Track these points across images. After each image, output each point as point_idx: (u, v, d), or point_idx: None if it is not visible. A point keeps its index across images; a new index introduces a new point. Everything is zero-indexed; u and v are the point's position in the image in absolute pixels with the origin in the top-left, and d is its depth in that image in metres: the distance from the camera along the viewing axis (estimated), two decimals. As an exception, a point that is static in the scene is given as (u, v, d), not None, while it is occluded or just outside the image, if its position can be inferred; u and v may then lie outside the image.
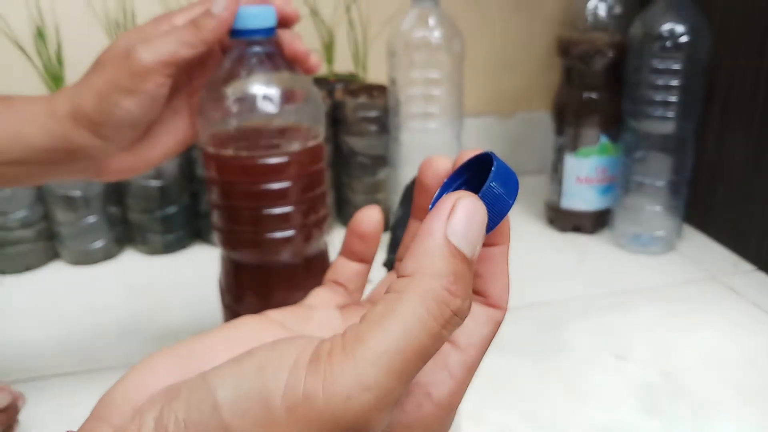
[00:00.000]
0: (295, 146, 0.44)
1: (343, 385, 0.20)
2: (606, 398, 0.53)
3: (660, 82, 0.70)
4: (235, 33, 0.43)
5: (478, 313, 0.26)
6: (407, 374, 0.21)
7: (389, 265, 0.41)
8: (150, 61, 0.41)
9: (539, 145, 1.01)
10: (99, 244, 0.78)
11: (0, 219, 0.74)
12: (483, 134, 0.98)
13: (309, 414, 0.20)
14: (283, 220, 0.44)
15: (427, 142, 0.70)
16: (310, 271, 0.47)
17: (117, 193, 0.79)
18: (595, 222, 0.81)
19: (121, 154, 0.45)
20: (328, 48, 0.83)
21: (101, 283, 0.75)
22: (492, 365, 0.57)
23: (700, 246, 0.78)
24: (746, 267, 0.73)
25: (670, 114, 0.71)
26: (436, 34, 0.67)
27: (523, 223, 0.86)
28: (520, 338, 0.61)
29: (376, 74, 0.84)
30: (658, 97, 0.71)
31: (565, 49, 0.76)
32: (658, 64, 0.70)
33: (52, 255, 0.80)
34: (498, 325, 0.27)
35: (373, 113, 0.78)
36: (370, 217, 0.31)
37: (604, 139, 0.77)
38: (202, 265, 0.74)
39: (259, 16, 0.43)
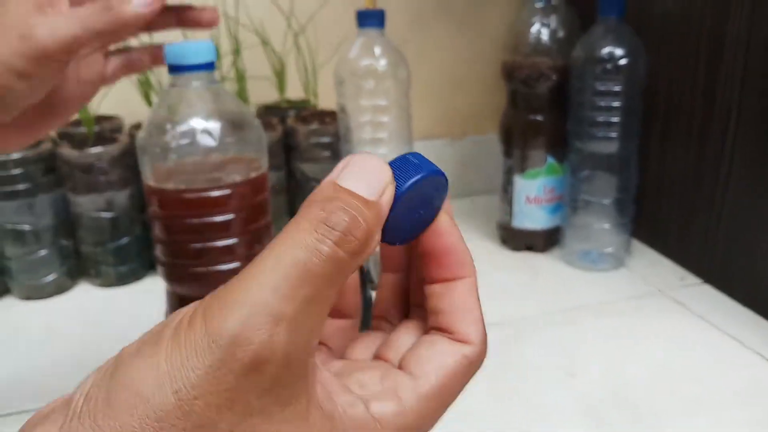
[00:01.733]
0: (237, 178, 0.44)
1: (235, 322, 0.20)
2: (557, 416, 0.54)
3: (602, 103, 0.72)
4: (174, 69, 0.43)
5: (440, 344, 0.26)
6: (309, 297, 0.20)
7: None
8: (50, 47, 0.35)
9: (490, 166, 1.03)
10: (51, 277, 0.77)
11: (-54, 256, 0.73)
12: (434, 157, 0.98)
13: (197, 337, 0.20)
14: (227, 253, 0.44)
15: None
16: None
17: (68, 225, 0.78)
18: (547, 240, 0.83)
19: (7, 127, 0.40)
20: (280, 75, 0.84)
21: (54, 317, 0.74)
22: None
23: (648, 261, 0.80)
24: (692, 280, 0.75)
25: (613, 134, 0.73)
26: (382, 62, 0.68)
27: (477, 243, 0.87)
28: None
29: (327, 100, 0.85)
30: (601, 118, 0.73)
31: (509, 72, 0.78)
32: (600, 86, 0.72)
33: (2, 290, 0.78)
34: (469, 359, 0.25)
35: (325, 139, 0.79)
36: None
37: (550, 160, 0.79)
38: (156, 296, 0.73)
39: (199, 52, 0.43)
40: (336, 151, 0.79)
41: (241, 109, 0.47)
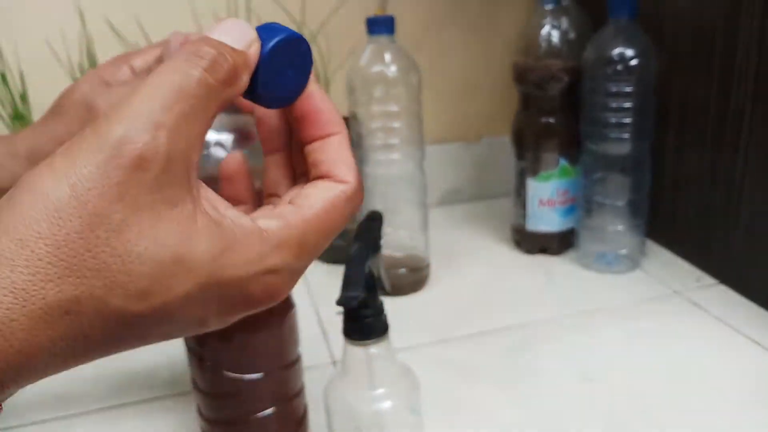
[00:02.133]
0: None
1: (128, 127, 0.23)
2: (574, 422, 0.54)
3: (614, 104, 0.72)
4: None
5: (321, 183, 0.29)
6: (186, 112, 0.24)
7: (343, 302, 0.41)
8: None
9: (506, 169, 1.02)
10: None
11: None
12: (449, 160, 1.00)
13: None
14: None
15: (390, 173, 0.71)
16: (272, 312, 0.47)
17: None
18: (561, 243, 0.82)
19: None
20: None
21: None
22: (460, 390, 0.58)
23: (664, 262, 0.79)
24: (709, 281, 0.74)
25: (625, 135, 0.72)
26: (393, 69, 0.68)
27: (491, 247, 0.87)
28: (488, 363, 0.62)
29: (338, 105, 0.86)
30: (613, 119, 0.72)
31: (520, 75, 0.78)
32: (612, 87, 0.72)
33: None
34: (346, 194, 0.29)
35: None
36: (231, 159, 0.32)
37: (563, 162, 0.79)
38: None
39: None
40: (348, 157, 0.80)
41: (252, 120, 0.47)
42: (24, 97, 0.77)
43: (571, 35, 0.77)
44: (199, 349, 0.48)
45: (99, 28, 0.80)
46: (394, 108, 0.69)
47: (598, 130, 0.74)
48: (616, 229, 0.76)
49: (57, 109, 0.43)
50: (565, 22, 0.76)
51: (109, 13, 0.80)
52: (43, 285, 0.21)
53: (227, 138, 0.44)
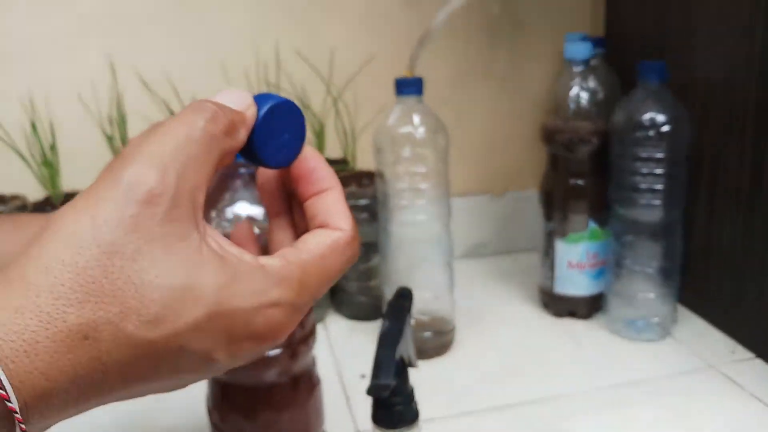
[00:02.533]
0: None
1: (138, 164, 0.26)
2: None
3: (644, 170, 0.71)
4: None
5: (318, 231, 0.31)
6: (192, 156, 0.27)
7: (374, 392, 0.40)
8: None
9: (532, 223, 1.01)
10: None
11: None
12: (474, 213, 0.99)
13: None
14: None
15: (416, 233, 0.70)
16: (297, 390, 0.46)
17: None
18: (589, 307, 0.80)
19: None
20: (319, 137, 0.85)
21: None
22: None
23: (696, 331, 0.77)
24: (744, 354, 0.72)
25: (656, 201, 0.71)
26: (421, 130, 0.68)
27: (518, 307, 0.85)
28: (514, 439, 0.60)
29: (365, 161, 0.85)
30: (643, 185, 0.71)
31: (549, 136, 0.77)
32: (642, 152, 0.70)
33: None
34: (343, 240, 0.31)
35: (363, 201, 0.79)
36: (239, 226, 0.35)
37: (593, 225, 0.77)
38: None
39: None
40: (373, 214, 0.79)
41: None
42: (53, 147, 0.78)
43: (600, 96, 0.76)
44: (222, 425, 0.47)
45: (130, 82, 0.81)
46: (421, 169, 0.68)
47: (628, 195, 0.72)
48: (646, 297, 0.74)
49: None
50: (594, 83, 0.76)
51: (140, 66, 0.81)
52: (65, 309, 0.23)
53: (259, 212, 0.44)
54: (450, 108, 0.92)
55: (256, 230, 0.36)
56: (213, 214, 0.43)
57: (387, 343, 0.42)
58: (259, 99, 0.30)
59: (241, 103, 0.30)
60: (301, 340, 0.46)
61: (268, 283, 0.27)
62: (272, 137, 0.30)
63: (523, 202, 1.00)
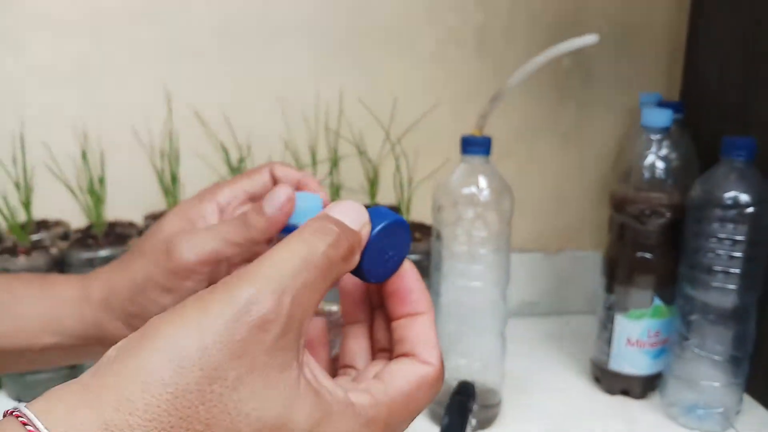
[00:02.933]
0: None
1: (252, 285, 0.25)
2: None
3: (721, 251, 0.66)
4: (284, 228, 0.41)
5: (406, 362, 0.30)
6: (309, 282, 0.26)
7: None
8: (191, 261, 0.39)
9: (587, 285, 0.97)
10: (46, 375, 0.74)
11: (23, 348, 0.72)
12: (527, 270, 0.94)
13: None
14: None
15: (470, 299, 0.67)
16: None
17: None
18: (645, 386, 0.75)
19: None
20: (373, 183, 0.82)
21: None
22: None
23: (761, 423, 0.71)
24: (816, 457, 0.66)
25: (732, 286, 0.66)
26: (486, 193, 0.64)
27: (567, 380, 0.80)
28: None
29: (419, 212, 0.82)
30: (718, 267, 0.66)
31: (619, 205, 0.72)
32: (720, 232, 0.66)
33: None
34: (431, 376, 0.30)
35: (414, 257, 0.75)
36: (314, 323, 0.34)
37: (657, 302, 0.72)
38: None
39: (310, 211, 0.40)
40: (425, 271, 0.75)
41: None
42: (102, 180, 0.76)
43: (677, 166, 0.71)
44: None
45: (184, 115, 0.79)
46: (482, 233, 0.65)
47: (700, 276, 0.67)
48: (711, 385, 0.69)
49: (138, 251, 0.41)
50: (670, 152, 0.71)
51: (195, 100, 0.79)
52: None
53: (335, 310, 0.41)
54: (511, 161, 0.88)
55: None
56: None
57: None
58: (373, 215, 0.30)
59: (359, 221, 0.29)
60: None
61: (357, 423, 0.27)
62: (379, 254, 0.30)
63: (579, 262, 0.96)
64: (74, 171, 0.78)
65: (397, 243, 0.31)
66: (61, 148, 0.77)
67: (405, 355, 0.30)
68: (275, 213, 0.39)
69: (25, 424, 0.21)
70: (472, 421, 0.42)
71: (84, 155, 0.76)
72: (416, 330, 0.30)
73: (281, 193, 0.40)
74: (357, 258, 0.29)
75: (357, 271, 0.30)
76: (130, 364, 0.23)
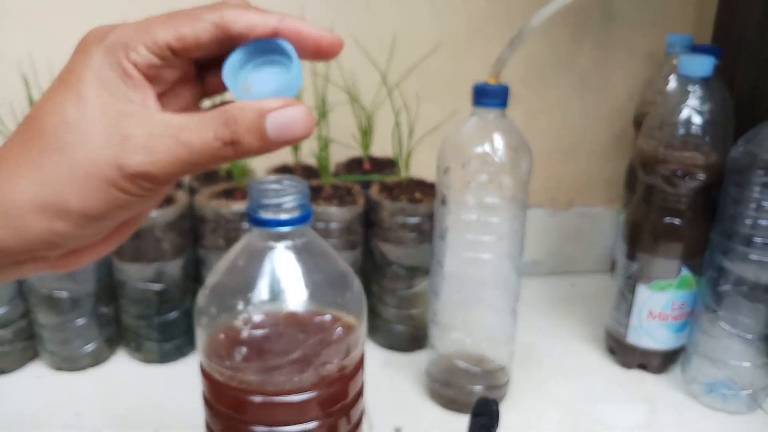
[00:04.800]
0: (329, 366, 0.32)
1: None
2: None
3: (763, 221, 0.58)
4: (259, 222, 0.32)
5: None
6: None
7: None
8: (145, 181, 0.27)
9: (597, 243, 0.89)
10: (86, 348, 0.67)
11: (-29, 321, 0.63)
12: (534, 227, 0.86)
13: None
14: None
15: (477, 274, 0.59)
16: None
17: (110, 291, 0.68)
18: (665, 361, 0.69)
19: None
20: (366, 133, 0.72)
21: (85, 392, 0.65)
22: None
23: (790, 403, 0.65)
24: None
25: (773, 259, 0.59)
26: (501, 153, 0.55)
27: (581, 351, 0.74)
28: None
29: (419, 169, 0.73)
30: (759, 238, 0.59)
31: (647, 164, 0.64)
32: (763, 199, 0.58)
33: (32, 356, 0.69)
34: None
35: (413, 220, 0.67)
36: None
37: (685, 272, 0.65)
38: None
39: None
40: (423, 233, 0.67)
41: (339, 267, 0.35)
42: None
43: (713, 122, 0.63)
44: None
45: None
46: (495, 199, 0.56)
47: (737, 247, 0.60)
48: (740, 365, 0.63)
49: (47, 145, 0.27)
50: (708, 106, 0.62)
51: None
52: None
53: (302, 292, 0.33)
54: (518, 108, 0.78)
55: None
56: (240, 304, 0.32)
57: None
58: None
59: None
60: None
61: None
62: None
63: (588, 219, 0.88)
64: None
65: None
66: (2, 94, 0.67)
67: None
68: (278, 140, 0.27)
69: None
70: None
71: (30, 101, 0.65)
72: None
73: (298, 115, 0.27)
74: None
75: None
76: None
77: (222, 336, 0.32)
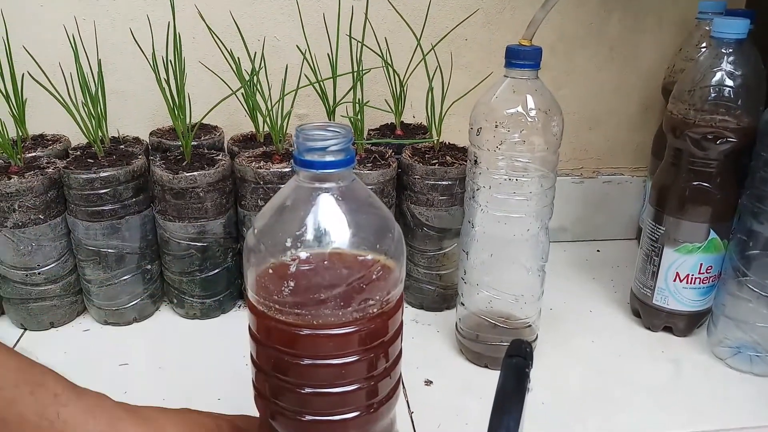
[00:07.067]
0: (372, 306, 0.34)
1: None
2: None
3: (794, 183, 0.59)
4: (304, 164, 0.34)
5: None
6: None
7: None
8: None
9: (622, 211, 0.90)
10: (131, 303, 0.71)
11: (23, 273, 0.67)
12: (560, 194, 0.87)
13: None
14: (344, 401, 0.35)
15: (506, 233, 0.60)
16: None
17: (154, 248, 0.71)
18: (690, 323, 0.70)
19: None
20: (398, 99, 0.74)
21: (130, 345, 0.68)
22: None
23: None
24: None
25: (803, 221, 0.59)
26: (534, 114, 0.56)
27: (606, 312, 0.75)
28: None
29: (450, 133, 0.74)
30: (790, 200, 0.59)
31: (677, 128, 0.65)
32: (795, 161, 0.58)
33: (80, 311, 0.72)
34: None
35: (445, 182, 0.68)
36: None
37: (713, 236, 0.66)
38: (242, 332, 0.66)
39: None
40: (455, 198, 0.69)
41: (383, 213, 0.37)
42: (100, 93, 0.69)
43: (745, 85, 0.63)
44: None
45: (189, 23, 0.70)
46: (526, 160, 0.57)
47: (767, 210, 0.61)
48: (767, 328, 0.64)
49: None
50: (741, 69, 0.62)
51: (202, 3, 0.70)
52: None
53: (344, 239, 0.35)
54: (545, 75, 0.79)
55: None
56: (288, 242, 0.34)
57: (505, 410, 0.33)
58: None
59: None
60: (382, 401, 0.37)
61: None
62: None
63: (614, 187, 0.89)
64: (69, 87, 0.70)
65: None
66: (50, 55, 0.69)
67: None
68: None
69: None
70: (529, 385, 0.36)
71: (77, 60, 0.68)
72: None
73: None
74: None
75: None
76: None
77: (271, 272, 0.34)
